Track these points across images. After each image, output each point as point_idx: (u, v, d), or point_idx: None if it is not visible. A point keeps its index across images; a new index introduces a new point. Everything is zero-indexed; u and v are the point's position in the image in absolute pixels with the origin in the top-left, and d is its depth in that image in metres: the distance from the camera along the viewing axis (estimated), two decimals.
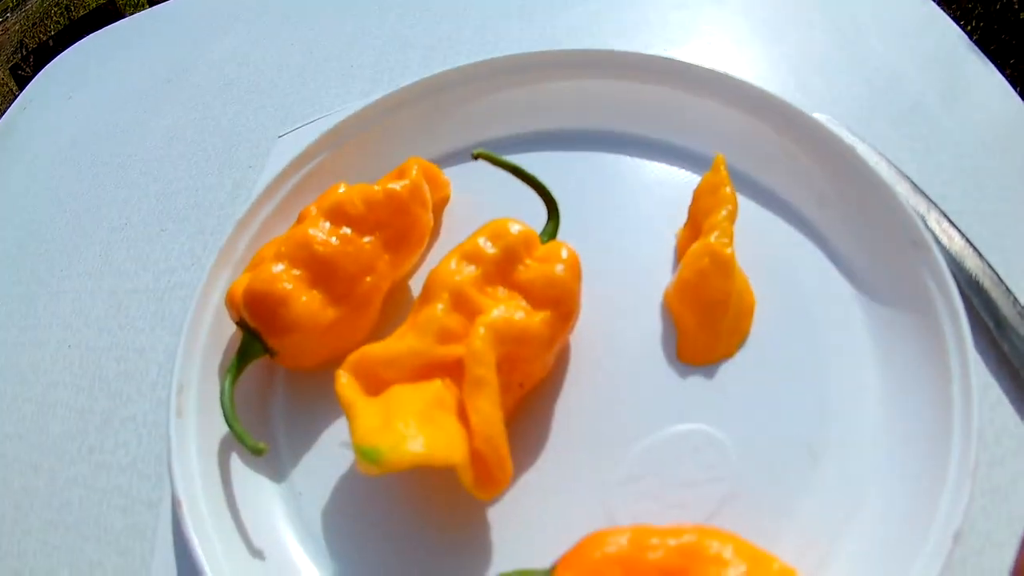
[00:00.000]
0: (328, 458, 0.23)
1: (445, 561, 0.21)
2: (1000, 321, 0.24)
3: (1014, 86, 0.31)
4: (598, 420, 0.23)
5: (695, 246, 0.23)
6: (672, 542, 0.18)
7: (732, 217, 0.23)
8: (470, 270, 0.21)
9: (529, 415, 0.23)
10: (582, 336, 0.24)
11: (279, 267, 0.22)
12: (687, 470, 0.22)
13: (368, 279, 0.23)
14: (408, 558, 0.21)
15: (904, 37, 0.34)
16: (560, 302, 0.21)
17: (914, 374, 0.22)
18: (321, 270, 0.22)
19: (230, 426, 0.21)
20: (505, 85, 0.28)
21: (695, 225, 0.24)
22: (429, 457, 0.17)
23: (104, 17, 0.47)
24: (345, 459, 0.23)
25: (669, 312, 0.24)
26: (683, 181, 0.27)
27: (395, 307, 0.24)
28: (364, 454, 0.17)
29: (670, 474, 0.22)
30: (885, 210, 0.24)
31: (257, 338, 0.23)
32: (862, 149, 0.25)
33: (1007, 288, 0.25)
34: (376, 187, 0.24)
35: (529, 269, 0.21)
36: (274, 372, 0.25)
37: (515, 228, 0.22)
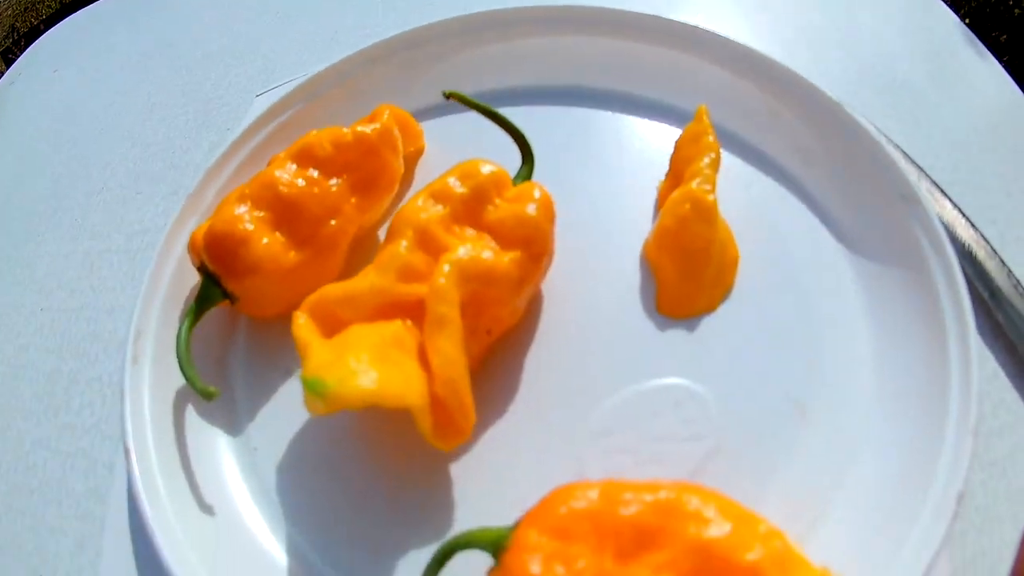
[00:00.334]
0: (285, 414, 0.22)
1: (405, 520, 0.20)
2: (995, 292, 0.23)
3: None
4: (571, 372, 0.22)
5: (676, 193, 0.22)
6: (648, 497, 0.17)
7: (715, 165, 0.22)
8: (437, 209, 0.20)
9: (498, 366, 0.22)
10: (556, 287, 0.23)
11: (241, 208, 0.21)
12: (665, 425, 0.20)
13: (333, 222, 0.22)
14: (366, 517, 0.20)
15: (894, 12, 0.33)
16: (531, 242, 0.20)
17: (907, 330, 0.22)
18: (285, 212, 0.22)
19: (182, 369, 0.20)
20: (484, 41, 0.28)
21: (677, 175, 0.23)
22: (380, 394, 0.16)
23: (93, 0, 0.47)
24: (302, 415, 0.22)
25: (648, 264, 0.23)
26: (666, 136, 0.26)
27: (363, 256, 0.23)
28: (309, 386, 0.16)
29: (647, 429, 0.20)
30: (873, 164, 0.24)
31: (217, 282, 0.22)
32: (850, 109, 0.25)
33: (1001, 259, 0.24)
34: (345, 130, 0.23)
35: (499, 209, 0.20)
36: (235, 326, 0.25)
37: (486, 168, 0.21)
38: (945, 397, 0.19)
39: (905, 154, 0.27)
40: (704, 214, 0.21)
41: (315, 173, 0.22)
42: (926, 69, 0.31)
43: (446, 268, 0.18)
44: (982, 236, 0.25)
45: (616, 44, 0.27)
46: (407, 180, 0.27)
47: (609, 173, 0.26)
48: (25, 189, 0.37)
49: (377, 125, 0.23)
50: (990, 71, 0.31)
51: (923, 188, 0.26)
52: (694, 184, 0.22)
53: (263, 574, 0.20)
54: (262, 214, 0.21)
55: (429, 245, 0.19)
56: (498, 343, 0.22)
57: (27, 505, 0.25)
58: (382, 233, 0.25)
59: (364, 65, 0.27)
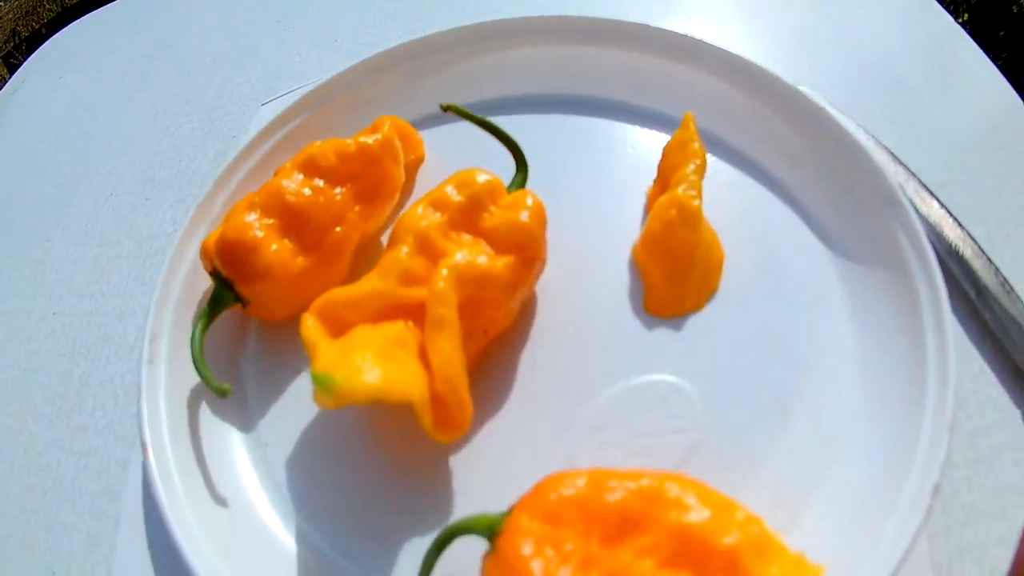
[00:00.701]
0: (294, 411, 0.24)
1: (408, 508, 0.22)
2: (981, 290, 0.25)
3: (1006, 76, 0.32)
4: (563, 370, 0.23)
5: (663, 198, 0.24)
6: (632, 485, 0.19)
7: (700, 171, 0.24)
8: (436, 216, 0.22)
9: (494, 365, 0.24)
10: (549, 290, 0.25)
11: (251, 216, 0.24)
12: (653, 420, 0.22)
13: (338, 229, 0.24)
14: (371, 506, 0.22)
15: (890, 14, 0.35)
16: (524, 247, 0.22)
17: (888, 330, 0.23)
18: (292, 220, 0.24)
19: (197, 368, 0.22)
20: (479, 51, 0.30)
21: (664, 181, 0.25)
22: (385, 390, 0.18)
23: (95, 5, 0.49)
24: (310, 411, 0.24)
25: (637, 267, 0.25)
26: (655, 142, 0.28)
27: (366, 262, 0.25)
28: (319, 381, 0.18)
29: (635, 423, 0.22)
30: (857, 169, 0.25)
31: (229, 287, 0.24)
32: (835, 114, 0.26)
33: (988, 258, 0.25)
34: (348, 141, 0.25)
35: (494, 216, 0.22)
36: (246, 328, 0.27)
37: (482, 177, 0.23)
38: (923, 394, 0.21)
39: (893, 155, 0.29)
40: (689, 219, 0.23)
41: (320, 183, 0.24)
42: (922, 70, 0.32)
43: (444, 272, 0.21)
44: (969, 235, 0.26)
45: (606, 53, 0.29)
46: (408, 186, 0.29)
47: (600, 178, 0.28)
48: (30, 194, 0.39)
49: (379, 136, 0.25)
50: (986, 72, 0.32)
51: (911, 189, 0.27)
52: (680, 190, 0.24)
53: (275, 561, 0.22)
54: (271, 222, 0.24)
55: (428, 251, 0.22)
56: (494, 343, 0.24)
57: (40, 504, 0.26)
58: (385, 239, 0.28)
59: (367, 75, 0.30)
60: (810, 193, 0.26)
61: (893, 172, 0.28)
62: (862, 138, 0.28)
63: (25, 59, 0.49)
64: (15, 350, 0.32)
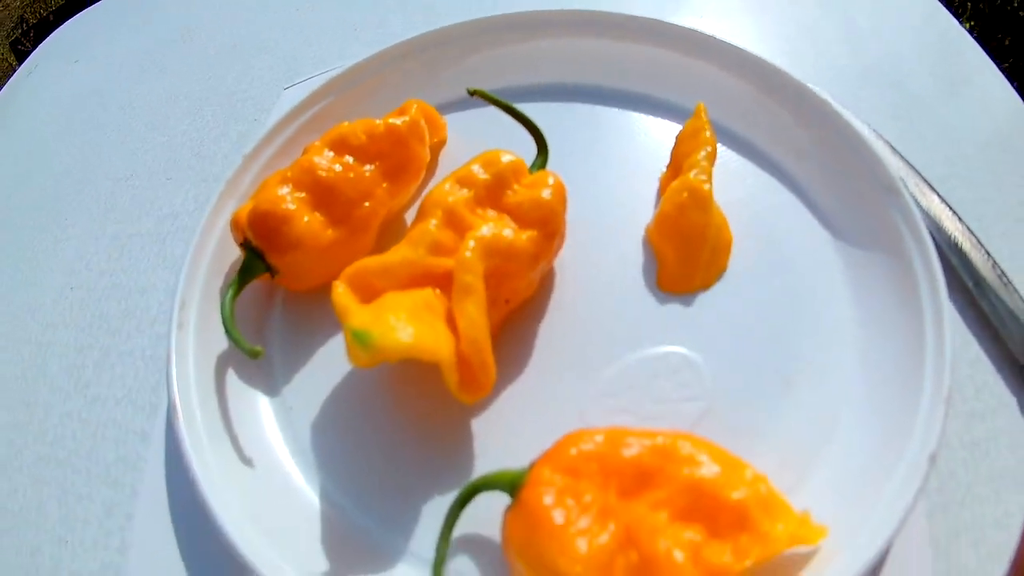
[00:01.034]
0: (319, 376, 0.26)
1: (429, 468, 0.24)
2: (979, 282, 0.27)
3: (1011, 81, 0.35)
4: (579, 340, 0.25)
5: (675, 183, 0.26)
6: (648, 442, 0.20)
7: (711, 157, 0.26)
8: (463, 192, 0.24)
9: (514, 334, 0.26)
10: (567, 266, 0.27)
11: (284, 190, 0.25)
12: (664, 388, 0.24)
13: (366, 204, 0.26)
14: (393, 466, 0.24)
15: (896, 14, 0.37)
16: (545, 223, 0.24)
17: (887, 308, 0.25)
18: (323, 194, 0.26)
19: (228, 331, 0.24)
20: (501, 41, 0.32)
21: (676, 166, 0.28)
22: (417, 348, 0.20)
23: None
24: (334, 377, 0.26)
25: (650, 246, 0.27)
26: (667, 131, 0.30)
27: (391, 237, 0.27)
28: (357, 336, 0.20)
29: (647, 391, 0.24)
30: (859, 158, 0.27)
31: (260, 257, 0.26)
32: (838, 107, 0.29)
33: (986, 251, 0.27)
34: (378, 121, 0.27)
35: (517, 193, 0.25)
36: (273, 297, 0.28)
37: (506, 157, 0.25)
38: (920, 368, 0.22)
39: (894, 149, 0.31)
40: (700, 202, 0.26)
41: (350, 160, 0.26)
42: (925, 69, 0.34)
43: (471, 243, 0.23)
44: (968, 229, 0.28)
45: (623, 47, 0.31)
46: (431, 168, 0.31)
47: (616, 164, 0.30)
48: (49, 175, 0.40)
49: (406, 118, 0.27)
50: (988, 71, 0.34)
51: (912, 183, 0.30)
52: (692, 175, 0.26)
53: (300, 520, 0.23)
54: (302, 195, 0.26)
55: (456, 224, 0.24)
56: (515, 312, 0.26)
57: (54, 475, 0.27)
58: (408, 216, 0.30)
59: (392, 61, 0.32)
60: (815, 182, 0.28)
61: (895, 167, 0.30)
62: (865, 132, 0.31)
63: (33, 46, 0.50)
64: (29, 324, 0.33)
